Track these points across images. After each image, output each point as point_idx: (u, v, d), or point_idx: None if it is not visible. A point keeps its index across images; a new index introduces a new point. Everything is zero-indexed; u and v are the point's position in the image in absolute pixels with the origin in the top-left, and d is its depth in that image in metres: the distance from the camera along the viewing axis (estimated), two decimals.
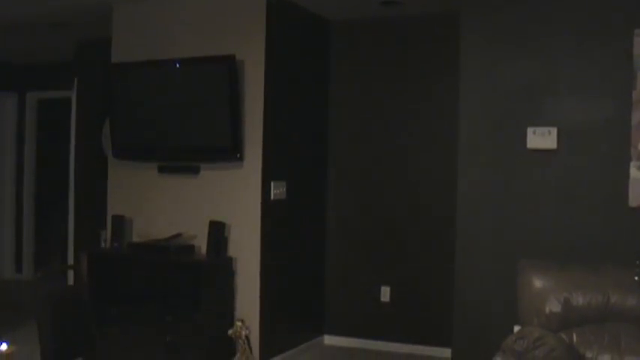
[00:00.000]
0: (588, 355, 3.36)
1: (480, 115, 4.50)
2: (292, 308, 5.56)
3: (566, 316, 3.46)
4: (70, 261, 6.96)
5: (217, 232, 5.00)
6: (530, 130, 4.30)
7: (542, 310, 3.49)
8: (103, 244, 5.61)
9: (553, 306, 3.47)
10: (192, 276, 4.83)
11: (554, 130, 4.24)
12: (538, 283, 3.56)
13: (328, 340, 5.96)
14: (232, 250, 5.08)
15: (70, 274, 6.69)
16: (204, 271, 4.85)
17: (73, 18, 5.97)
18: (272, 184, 5.15)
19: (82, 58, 7.04)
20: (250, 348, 4.92)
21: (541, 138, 4.27)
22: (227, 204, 5.11)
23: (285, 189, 5.31)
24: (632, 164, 4.05)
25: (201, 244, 5.09)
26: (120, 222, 5.35)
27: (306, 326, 5.79)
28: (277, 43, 5.18)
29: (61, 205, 7.55)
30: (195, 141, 5.12)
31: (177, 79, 5.16)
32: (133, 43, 5.45)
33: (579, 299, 3.45)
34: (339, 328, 5.92)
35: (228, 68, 4.90)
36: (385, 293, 5.79)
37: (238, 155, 5.01)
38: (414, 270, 5.70)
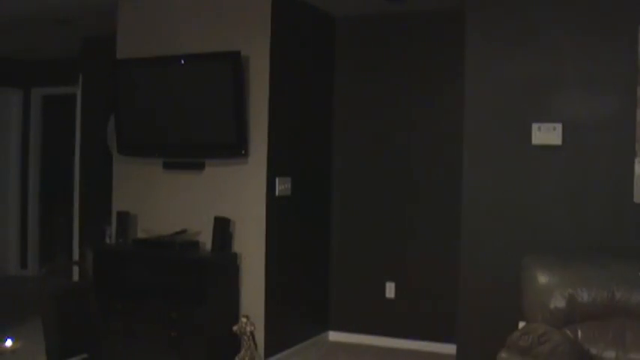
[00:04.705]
0: (593, 351, 3.36)
1: (485, 111, 4.49)
2: (297, 304, 5.56)
3: (570, 312, 3.46)
4: (75, 257, 6.98)
5: (222, 228, 5.00)
6: (535, 126, 4.29)
7: (547, 306, 3.49)
8: (107, 240, 5.62)
9: (558, 302, 3.47)
10: (197, 272, 4.83)
11: (559, 126, 4.23)
12: (543, 278, 3.56)
13: (333, 336, 5.96)
14: (237, 246, 5.09)
15: (75, 270, 6.70)
16: (209, 268, 4.85)
17: (79, 14, 5.97)
18: (277, 180, 5.15)
19: (87, 54, 7.04)
20: (255, 344, 4.92)
21: (546, 134, 4.27)
22: (232, 200, 5.11)
23: (290, 185, 5.31)
24: (637, 160, 4.04)
25: (206, 240, 5.09)
26: (125, 218, 5.36)
27: (311, 322, 5.79)
28: (282, 39, 5.18)
29: (66, 201, 7.57)
30: (200, 137, 5.12)
31: (183, 75, 5.15)
32: (138, 40, 5.45)
33: (584, 295, 3.46)
34: (344, 324, 5.93)
35: (234, 64, 4.90)
36: (390, 289, 5.79)
37: (243, 151, 5.00)
38: (419, 266, 5.69)
